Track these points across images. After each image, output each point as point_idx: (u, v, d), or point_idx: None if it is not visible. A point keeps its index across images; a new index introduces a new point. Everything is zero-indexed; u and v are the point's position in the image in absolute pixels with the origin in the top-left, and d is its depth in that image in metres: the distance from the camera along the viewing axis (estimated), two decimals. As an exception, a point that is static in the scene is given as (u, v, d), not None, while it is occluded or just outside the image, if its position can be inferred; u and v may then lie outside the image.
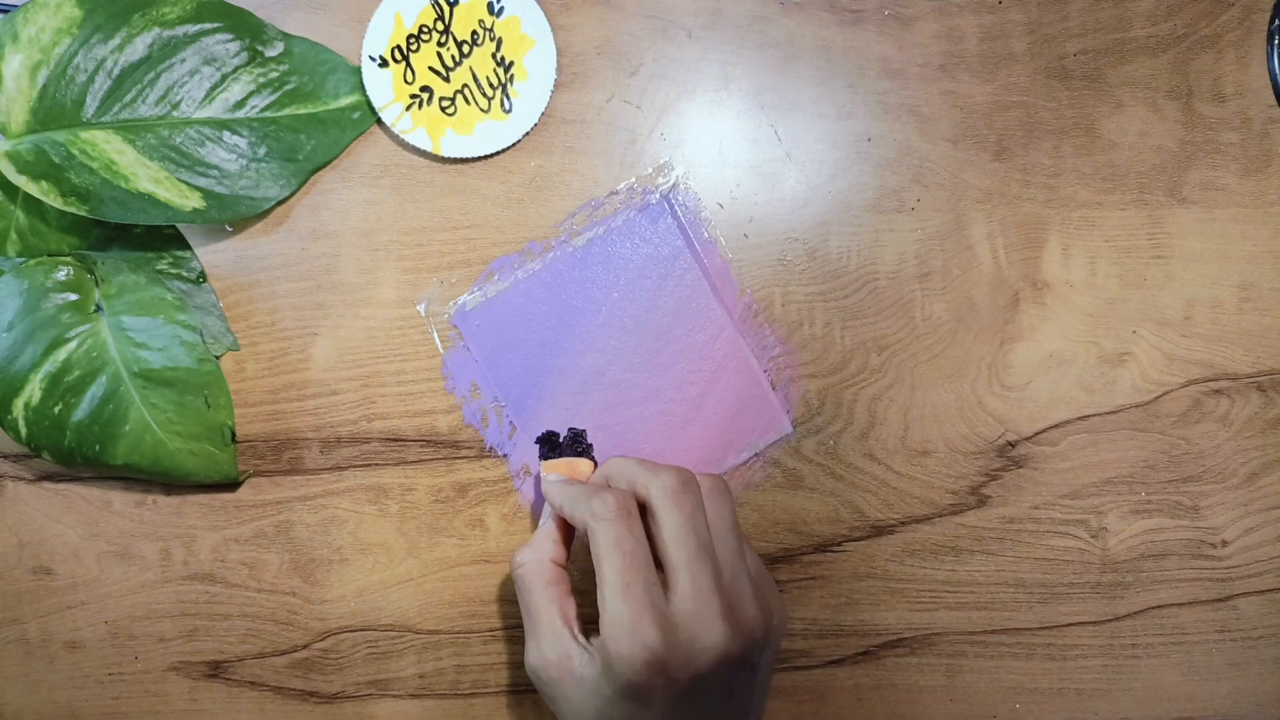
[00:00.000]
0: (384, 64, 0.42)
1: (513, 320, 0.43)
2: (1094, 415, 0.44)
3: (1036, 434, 0.44)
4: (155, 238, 0.43)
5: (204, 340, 0.42)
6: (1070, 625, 0.44)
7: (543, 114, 0.43)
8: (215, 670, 0.44)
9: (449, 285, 0.43)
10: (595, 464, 0.41)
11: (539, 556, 0.38)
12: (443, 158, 0.43)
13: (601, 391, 0.43)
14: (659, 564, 0.36)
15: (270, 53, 0.42)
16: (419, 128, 0.42)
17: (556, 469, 0.40)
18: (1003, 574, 0.44)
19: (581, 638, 0.36)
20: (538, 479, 0.43)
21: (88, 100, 0.40)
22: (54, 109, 0.39)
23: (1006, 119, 0.43)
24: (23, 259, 0.41)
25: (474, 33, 0.42)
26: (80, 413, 0.41)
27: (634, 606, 0.34)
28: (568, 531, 0.39)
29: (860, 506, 0.44)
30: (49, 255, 0.42)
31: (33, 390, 0.40)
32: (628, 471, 0.37)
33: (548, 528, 0.39)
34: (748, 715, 0.37)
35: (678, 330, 0.43)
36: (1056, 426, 0.44)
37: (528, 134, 0.43)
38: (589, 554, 0.36)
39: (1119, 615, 0.44)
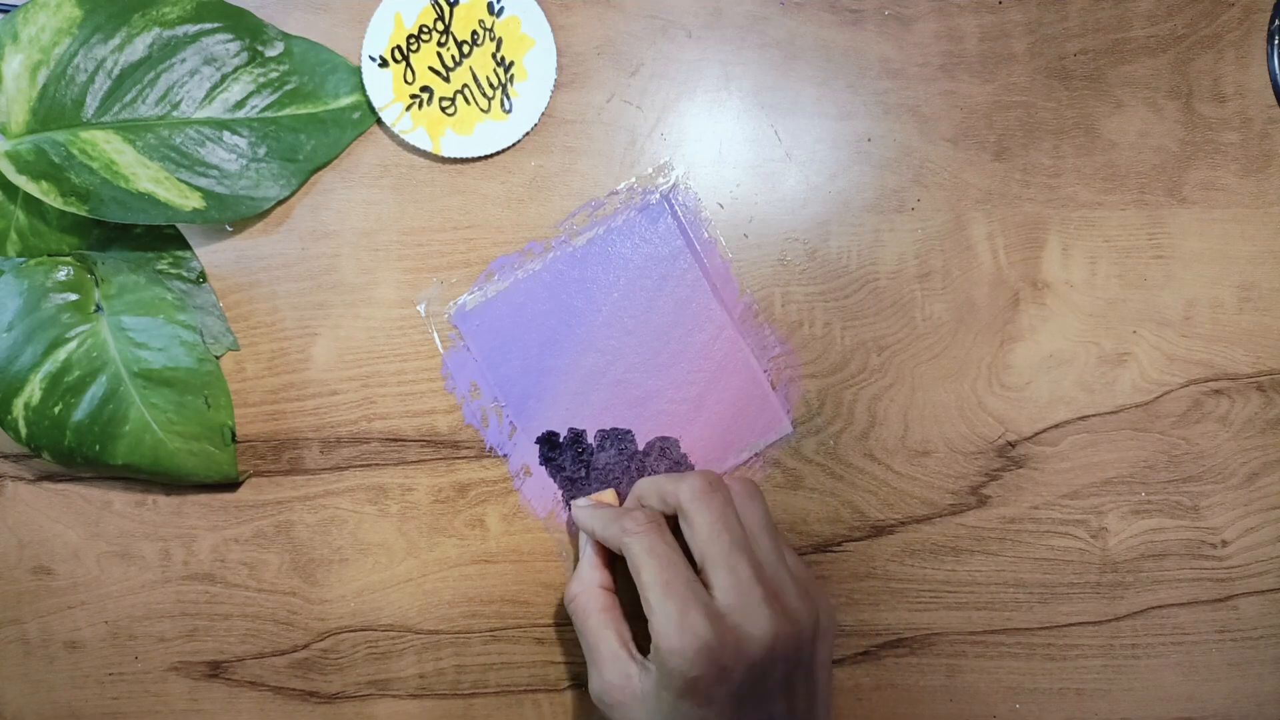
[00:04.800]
0: (384, 64, 0.42)
1: (513, 320, 0.43)
2: (1094, 415, 0.44)
3: (1036, 434, 0.44)
4: (155, 238, 0.43)
5: (204, 340, 0.42)
6: (1070, 625, 0.44)
7: (543, 114, 0.43)
8: (215, 670, 0.44)
9: (449, 285, 0.43)
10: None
11: (586, 586, 0.39)
12: (443, 158, 0.43)
13: (601, 391, 0.43)
14: (699, 573, 0.36)
15: (270, 53, 0.41)
16: (419, 128, 0.42)
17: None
18: (1003, 574, 0.44)
19: (639, 655, 0.37)
20: (570, 515, 0.44)
21: (88, 100, 0.40)
22: (54, 109, 0.39)
23: (1006, 119, 0.43)
24: (23, 259, 0.41)
25: (474, 33, 0.42)
26: (80, 413, 0.41)
27: (678, 601, 0.34)
28: (608, 556, 0.40)
29: (860, 506, 0.44)
30: (49, 255, 0.42)
31: (33, 390, 0.40)
32: (655, 486, 0.38)
33: (588, 555, 0.40)
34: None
35: (678, 330, 0.43)
36: (1056, 426, 0.44)
37: (528, 134, 0.43)
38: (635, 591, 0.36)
39: (1119, 615, 0.44)
